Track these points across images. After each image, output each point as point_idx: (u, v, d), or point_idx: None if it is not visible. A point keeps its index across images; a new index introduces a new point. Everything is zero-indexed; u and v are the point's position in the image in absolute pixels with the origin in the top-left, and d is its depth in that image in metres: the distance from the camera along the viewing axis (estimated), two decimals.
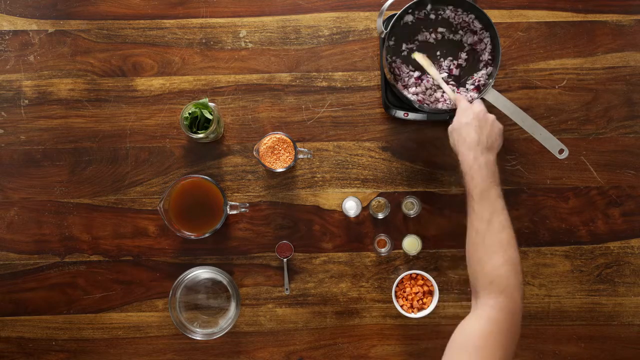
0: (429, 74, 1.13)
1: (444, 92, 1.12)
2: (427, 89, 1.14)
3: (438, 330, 1.21)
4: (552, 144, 1.06)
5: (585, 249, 1.22)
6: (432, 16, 1.15)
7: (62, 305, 1.22)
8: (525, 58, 1.24)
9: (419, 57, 1.12)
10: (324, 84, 1.23)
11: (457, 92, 1.08)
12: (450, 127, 1.01)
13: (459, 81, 1.15)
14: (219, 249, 1.22)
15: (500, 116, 1.08)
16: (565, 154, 1.06)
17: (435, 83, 1.13)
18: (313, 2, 1.25)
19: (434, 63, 1.14)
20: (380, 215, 1.20)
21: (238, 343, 1.21)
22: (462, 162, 0.95)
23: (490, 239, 0.87)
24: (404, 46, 1.15)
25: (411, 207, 1.20)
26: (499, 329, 0.80)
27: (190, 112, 1.14)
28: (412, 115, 1.17)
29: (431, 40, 1.15)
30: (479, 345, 0.78)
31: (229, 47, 1.24)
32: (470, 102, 1.03)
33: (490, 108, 1.10)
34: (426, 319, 1.21)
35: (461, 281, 1.22)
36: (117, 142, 1.23)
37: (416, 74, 1.14)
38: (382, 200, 1.20)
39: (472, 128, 0.96)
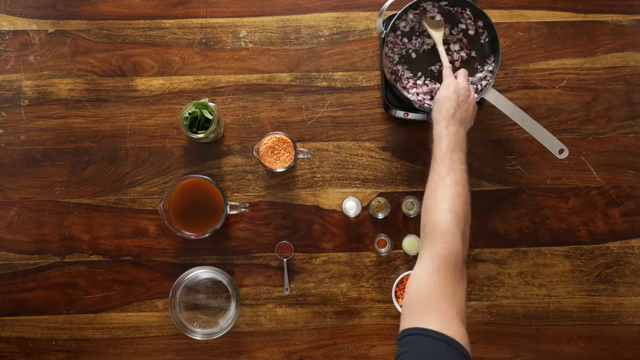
0: (432, 38, 1.13)
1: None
2: (427, 92, 1.14)
3: None
4: (552, 144, 1.06)
5: (585, 249, 1.22)
6: (432, 16, 1.15)
7: (62, 305, 1.22)
8: (525, 58, 1.24)
9: (428, 24, 1.14)
10: (324, 84, 1.23)
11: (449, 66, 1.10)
12: (435, 98, 1.05)
13: None
14: (219, 249, 1.22)
15: (501, 116, 1.08)
16: (565, 154, 1.06)
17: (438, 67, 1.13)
18: (313, 2, 1.25)
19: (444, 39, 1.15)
20: (380, 215, 1.20)
21: (238, 343, 1.21)
22: (434, 130, 1.00)
23: (441, 191, 0.91)
24: (404, 45, 1.15)
25: (411, 207, 1.20)
26: (442, 275, 0.82)
27: (190, 112, 1.14)
28: (412, 115, 1.17)
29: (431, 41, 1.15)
30: (429, 295, 0.80)
31: (229, 47, 1.24)
32: (456, 76, 1.07)
33: (491, 108, 1.10)
34: None
35: None
36: (117, 142, 1.23)
37: (411, 82, 1.14)
38: (382, 200, 1.20)
39: (450, 101, 1.01)
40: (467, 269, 0.87)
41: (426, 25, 1.14)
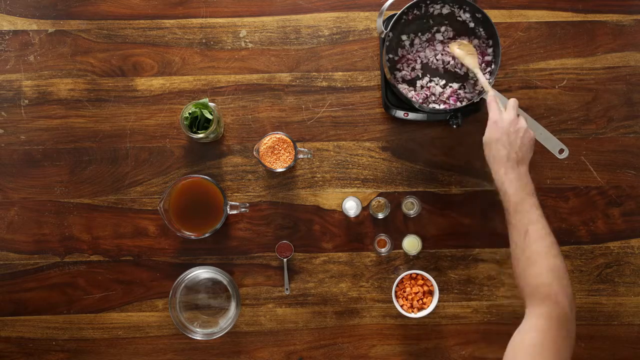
0: (468, 66, 1.10)
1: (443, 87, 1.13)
2: (428, 95, 1.14)
3: (438, 330, 1.21)
4: (552, 144, 1.06)
5: (585, 249, 1.22)
6: (432, 16, 1.15)
7: (62, 305, 1.22)
8: (525, 58, 1.24)
9: (454, 48, 1.11)
10: (324, 84, 1.23)
11: (491, 92, 1.04)
12: (483, 139, 1.00)
13: (461, 80, 1.14)
14: (219, 249, 1.22)
15: None
16: (566, 153, 1.06)
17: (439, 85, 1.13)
18: (313, 2, 1.25)
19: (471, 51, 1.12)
20: (380, 215, 1.20)
21: (238, 343, 1.21)
22: (494, 179, 0.97)
23: (529, 249, 0.88)
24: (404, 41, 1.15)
25: (411, 207, 1.20)
26: (548, 338, 0.80)
27: (190, 112, 1.14)
28: (412, 115, 1.17)
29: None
30: (530, 352, 0.79)
31: (229, 47, 1.24)
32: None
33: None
34: (426, 319, 1.21)
35: (461, 281, 1.22)
36: (117, 142, 1.23)
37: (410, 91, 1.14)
38: (382, 200, 1.20)
39: (501, 144, 0.96)
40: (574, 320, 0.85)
41: (458, 54, 1.10)
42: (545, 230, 0.90)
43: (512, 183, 0.93)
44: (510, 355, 0.81)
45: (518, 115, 1.00)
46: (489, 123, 0.99)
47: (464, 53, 1.10)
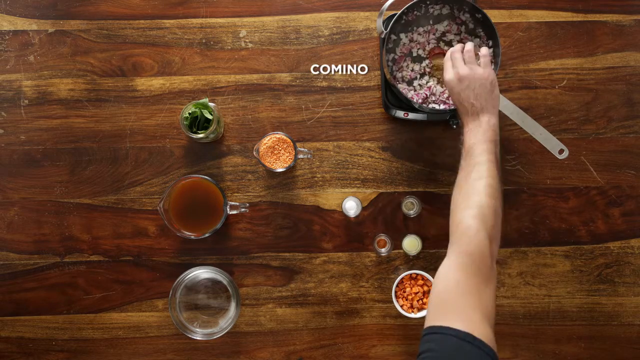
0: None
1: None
2: (428, 95, 1.14)
3: None
4: (552, 144, 1.06)
5: (585, 249, 1.22)
6: (432, 17, 1.15)
7: (62, 305, 1.22)
8: (525, 58, 1.24)
9: (437, 59, 1.12)
10: (324, 84, 1.23)
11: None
12: (447, 78, 0.98)
13: None
14: (219, 249, 1.22)
15: (501, 116, 1.08)
16: (565, 154, 1.06)
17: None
18: (313, 2, 1.25)
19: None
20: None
21: (238, 343, 1.21)
22: (461, 119, 0.97)
23: (466, 188, 0.87)
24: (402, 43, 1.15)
25: (411, 207, 1.20)
26: (469, 275, 0.79)
27: (190, 112, 1.14)
28: (412, 115, 1.17)
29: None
30: (455, 294, 0.78)
31: (229, 47, 1.24)
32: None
33: None
34: None
35: None
36: (117, 142, 1.23)
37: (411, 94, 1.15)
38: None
39: (468, 92, 0.95)
40: (496, 268, 0.83)
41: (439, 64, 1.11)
42: (489, 173, 0.87)
43: (471, 131, 0.92)
44: (434, 296, 0.79)
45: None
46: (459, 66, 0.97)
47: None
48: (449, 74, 0.98)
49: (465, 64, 0.97)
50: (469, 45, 0.99)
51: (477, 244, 0.81)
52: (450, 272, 0.80)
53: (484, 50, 1.00)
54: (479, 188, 0.85)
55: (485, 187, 0.86)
